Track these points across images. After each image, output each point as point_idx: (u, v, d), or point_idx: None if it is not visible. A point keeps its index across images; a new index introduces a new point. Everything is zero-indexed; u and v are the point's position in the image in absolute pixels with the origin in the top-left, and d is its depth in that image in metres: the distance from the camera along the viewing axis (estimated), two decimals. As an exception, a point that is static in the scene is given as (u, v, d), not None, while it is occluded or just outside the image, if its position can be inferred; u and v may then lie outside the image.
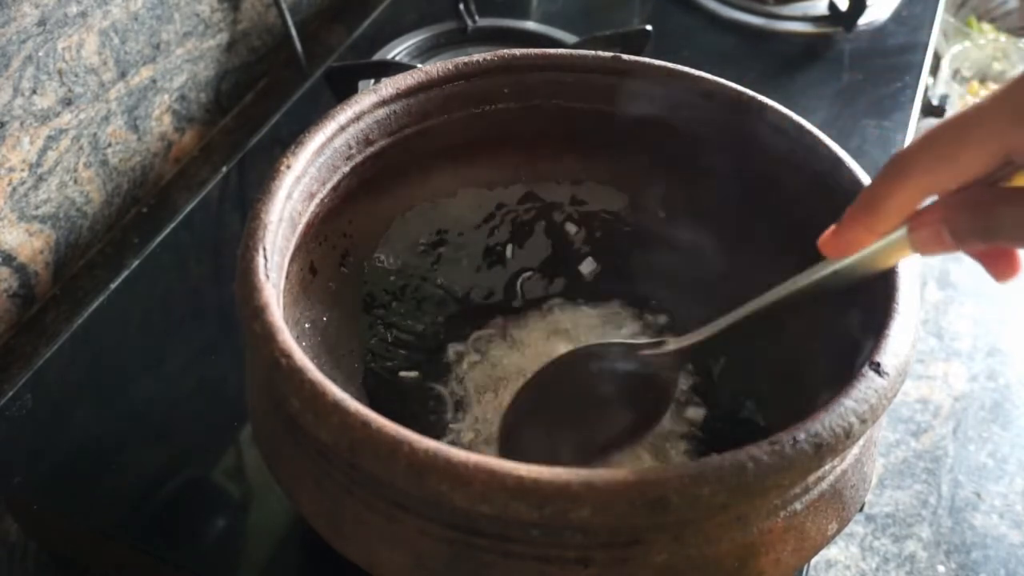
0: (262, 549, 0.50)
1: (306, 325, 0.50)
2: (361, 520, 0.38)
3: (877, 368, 0.38)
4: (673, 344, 0.48)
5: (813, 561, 0.54)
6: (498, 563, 0.36)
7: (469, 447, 0.50)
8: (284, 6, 0.84)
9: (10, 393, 0.56)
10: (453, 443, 0.50)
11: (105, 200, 0.73)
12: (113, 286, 0.62)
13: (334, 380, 0.37)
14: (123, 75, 0.72)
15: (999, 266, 0.36)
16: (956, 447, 0.73)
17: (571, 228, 0.59)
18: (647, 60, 0.53)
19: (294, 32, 0.83)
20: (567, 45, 0.79)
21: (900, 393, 0.44)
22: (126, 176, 0.75)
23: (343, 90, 0.71)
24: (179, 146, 0.81)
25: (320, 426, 0.35)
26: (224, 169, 0.71)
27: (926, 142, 0.35)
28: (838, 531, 0.40)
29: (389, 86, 0.51)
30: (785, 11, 0.88)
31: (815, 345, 0.48)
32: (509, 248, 0.58)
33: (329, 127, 0.48)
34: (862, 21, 0.86)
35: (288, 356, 0.36)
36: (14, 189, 0.65)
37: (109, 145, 0.72)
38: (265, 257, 0.41)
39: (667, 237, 0.57)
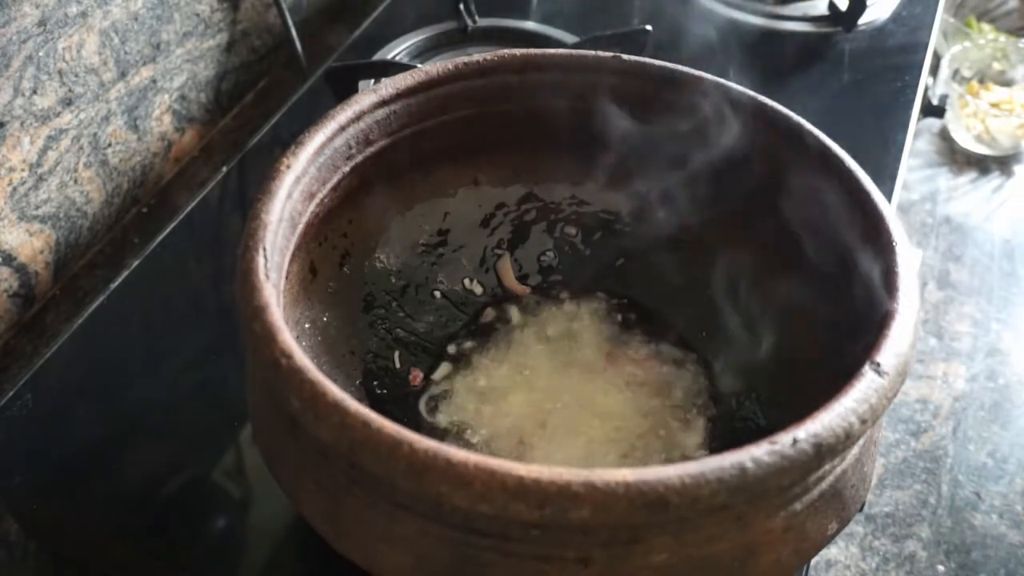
0: (262, 549, 0.50)
1: (306, 325, 0.50)
2: (361, 520, 0.38)
3: (877, 368, 0.38)
4: None
5: (813, 561, 0.54)
6: (498, 563, 0.36)
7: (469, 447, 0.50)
8: (284, 6, 0.84)
9: (10, 393, 0.56)
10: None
11: (105, 200, 0.73)
12: (113, 286, 0.62)
13: (334, 380, 0.37)
14: (123, 75, 0.72)
15: None
16: (956, 447, 0.73)
17: (570, 229, 0.59)
18: (647, 60, 0.54)
19: (294, 32, 0.83)
20: (567, 45, 0.79)
21: (900, 393, 0.44)
22: (126, 176, 0.75)
23: (343, 90, 0.71)
24: (179, 146, 0.81)
25: (320, 426, 0.35)
26: (224, 169, 0.71)
27: None
28: (838, 531, 0.40)
29: (389, 86, 0.51)
30: (785, 11, 0.88)
31: (815, 345, 0.48)
32: (508, 247, 0.58)
33: (329, 127, 0.48)
34: (862, 21, 0.86)
35: (288, 356, 0.36)
36: (14, 189, 0.65)
37: (109, 145, 0.72)
38: (265, 257, 0.41)
39: (666, 237, 0.57)
